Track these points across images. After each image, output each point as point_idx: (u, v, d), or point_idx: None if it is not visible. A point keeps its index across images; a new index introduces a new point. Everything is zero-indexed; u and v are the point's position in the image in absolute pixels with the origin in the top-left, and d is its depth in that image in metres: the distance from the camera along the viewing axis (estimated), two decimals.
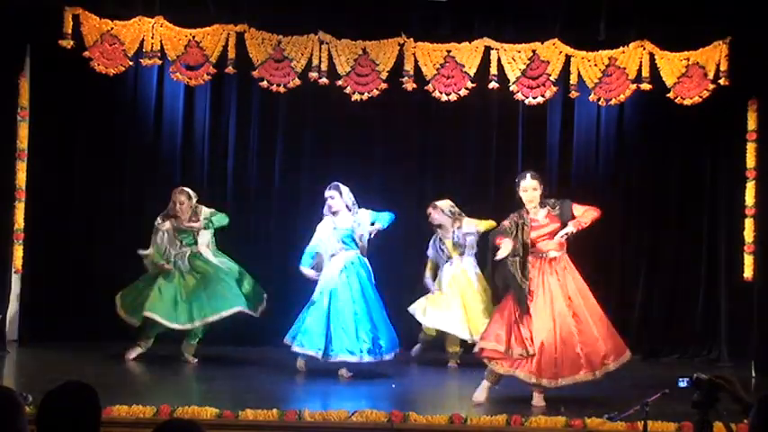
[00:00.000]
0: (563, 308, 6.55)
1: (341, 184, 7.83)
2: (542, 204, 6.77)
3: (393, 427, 5.73)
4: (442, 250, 8.48)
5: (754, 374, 8.17)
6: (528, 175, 6.80)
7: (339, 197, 7.76)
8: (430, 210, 8.50)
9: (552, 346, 6.45)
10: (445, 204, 8.46)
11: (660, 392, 4.43)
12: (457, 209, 8.44)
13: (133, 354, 8.05)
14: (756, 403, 3.11)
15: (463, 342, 8.38)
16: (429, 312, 8.27)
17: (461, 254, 8.42)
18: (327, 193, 7.78)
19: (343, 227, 7.78)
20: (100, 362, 7.78)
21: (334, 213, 7.80)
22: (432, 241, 8.59)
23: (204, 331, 8.19)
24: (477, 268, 8.38)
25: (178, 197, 8.23)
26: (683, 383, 3.77)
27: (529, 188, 6.73)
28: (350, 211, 7.80)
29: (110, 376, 7.02)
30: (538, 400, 6.54)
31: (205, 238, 8.26)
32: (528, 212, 6.72)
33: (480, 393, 6.61)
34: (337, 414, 5.80)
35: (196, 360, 8.12)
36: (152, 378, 7.42)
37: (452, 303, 8.26)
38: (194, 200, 8.32)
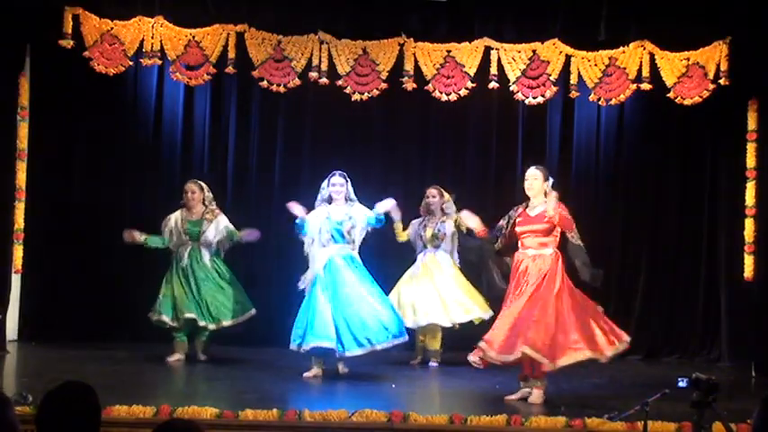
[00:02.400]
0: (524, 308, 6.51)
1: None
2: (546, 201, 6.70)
3: (393, 427, 5.72)
4: (421, 236, 8.48)
5: (754, 374, 8.17)
6: (533, 167, 6.86)
7: (347, 185, 7.58)
8: (435, 192, 8.47)
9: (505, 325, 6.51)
10: (449, 198, 8.47)
11: (660, 392, 4.43)
12: (454, 207, 8.42)
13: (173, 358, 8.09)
14: (759, 404, 3.10)
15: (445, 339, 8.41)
16: (408, 314, 8.23)
17: (436, 246, 8.42)
18: (335, 180, 7.55)
19: (335, 218, 7.54)
20: (100, 362, 7.77)
21: (330, 202, 7.59)
22: (417, 223, 8.51)
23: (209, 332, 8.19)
24: (451, 259, 8.41)
25: (190, 186, 8.24)
26: (682, 383, 3.78)
27: (530, 177, 6.78)
28: (347, 202, 7.59)
29: (110, 376, 7.01)
30: (537, 397, 6.54)
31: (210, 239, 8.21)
32: (525, 207, 6.75)
33: (536, 398, 6.56)
34: (337, 414, 5.79)
35: (205, 357, 8.16)
36: (152, 378, 7.41)
37: (426, 293, 8.29)
38: (207, 193, 8.28)
